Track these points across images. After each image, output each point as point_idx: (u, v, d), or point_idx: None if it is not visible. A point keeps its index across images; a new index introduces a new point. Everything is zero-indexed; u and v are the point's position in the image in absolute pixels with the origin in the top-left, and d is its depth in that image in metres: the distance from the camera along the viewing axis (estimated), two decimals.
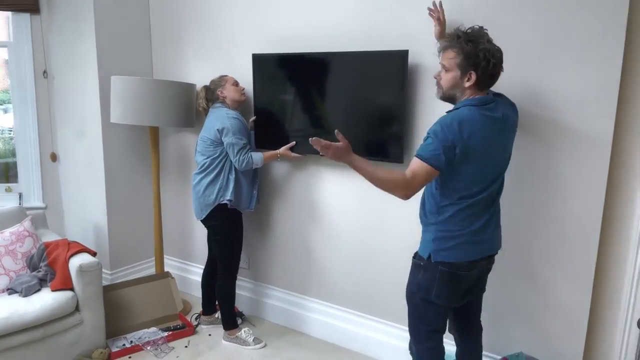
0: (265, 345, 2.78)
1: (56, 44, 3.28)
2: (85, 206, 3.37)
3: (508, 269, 2.29)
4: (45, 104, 3.36)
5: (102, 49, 3.09)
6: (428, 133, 1.71)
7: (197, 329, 2.97)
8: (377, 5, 2.44)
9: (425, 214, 1.88)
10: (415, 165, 1.69)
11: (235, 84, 2.74)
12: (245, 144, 2.61)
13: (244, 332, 2.81)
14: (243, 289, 3.21)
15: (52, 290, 2.49)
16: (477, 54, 1.68)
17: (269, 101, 2.78)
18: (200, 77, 3.15)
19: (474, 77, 1.71)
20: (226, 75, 2.76)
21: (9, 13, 3.22)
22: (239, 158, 2.58)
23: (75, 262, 2.54)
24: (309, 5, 2.67)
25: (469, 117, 1.70)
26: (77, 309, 2.53)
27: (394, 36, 2.40)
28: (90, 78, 3.12)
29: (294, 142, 2.67)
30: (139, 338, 2.79)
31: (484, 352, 2.42)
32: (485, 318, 2.16)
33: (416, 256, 1.90)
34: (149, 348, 2.71)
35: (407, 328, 1.98)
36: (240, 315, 3.11)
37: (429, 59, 2.29)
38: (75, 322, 2.50)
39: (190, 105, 2.99)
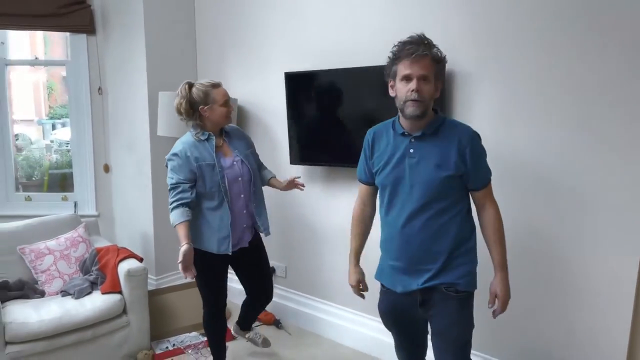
0: None
1: (110, 62, 3.50)
2: (134, 215, 3.55)
3: (524, 279, 2.24)
4: (99, 118, 3.58)
5: (151, 66, 3.28)
6: (481, 152, 1.69)
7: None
8: (402, 18, 2.48)
9: (457, 245, 1.70)
10: (491, 187, 1.74)
11: (225, 103, 2.26)
12: (175, 184, 2.17)
13: None
14: (280, 297, 3.29)
15: (102, 293, 2.65)
16: (442, 56, 1.65)
17: (303, 118, 2.86)
18: (240, 92, 3.29)
19: (440, 87, 1.68)
20: (217, 86, 2.27)
21: (68, 34, 3.48)
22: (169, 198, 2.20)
23: (124, 267, 2.69)
24: (337, 22, 2.74)
25: None
26: (124, 311, 2.67)
27: None
28: (140, 94, 3.32)
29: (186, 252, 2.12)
30: (181, 341, 2.90)
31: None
32: (505, 322, 2.12)
33: (459, 291, 1.69)
34: (190, 351, 2.82)
35: None
36: (277, 323, 3.17)
37: (463, 66, 2.30)
38: (122, 323, 2.64)
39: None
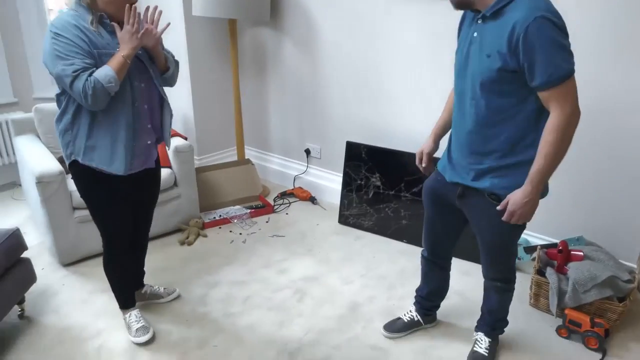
0: (149, 338, 2.05)
1: None
2: (172, 97, 3.65)
3: (569, 154, 2.33)
4: None
5: None
6: (540, 42, 1.32)
7: (276, 209, 3.31)
8: None
9: (512, 150, 1.52)
10: (567, 89, 1.37)
11: None
12: (81, 69, 1.58)
13: (129, 317, 2.11)
14: (315, 176, 3.48)
15: None
16: None
17: None
18: None
19: None
20: None
21: None
22: (76, 89, 1.58)
23: (171, 144, 2.86)
24: None
25: None
26: (175, 184, 2.90)
27: None
28: None
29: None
30: (227, 213, 3.17)
31: (544, 236, 2.56)
32: (546, 202, 2.25)
33: (496, 199, 1.59)
34: (235, 221, 3.09)
35: None
36: (313, 200, 3.40)
37: None
38: (174, 195, 2.88)
39: None
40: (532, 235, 2.57)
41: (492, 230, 1.67)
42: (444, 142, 1.84)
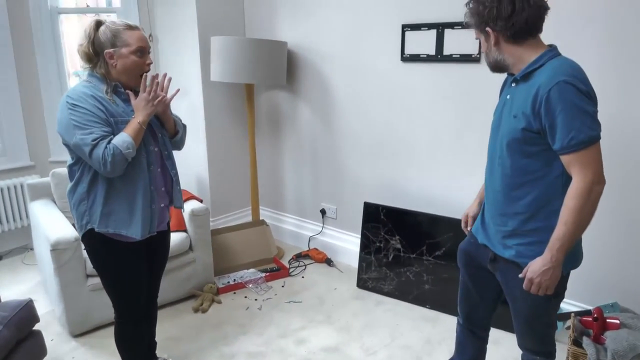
0: None
1: (159, 9, 3.53)
2: (188, 159, 3.69)
3: (601, 218, 2.27)
4: (152, 65, 3.64)
5: (201, 10, 3.29)
6: (560, 107, 1.33)
7: (291, 272, 3.22)
8: None
9: (536, 214, 1.49)
10: (590, 155, 1.35)
11: (139, 51, 1.69)
12: (100, 137, 1.61)
13: None
14: (331, 237, 3.42)
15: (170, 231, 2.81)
16: (478, 7, 1.46)
17: None
18: (289, 35, 3.29)
19: (492, 33, 1.46)
20: (133, 29, 1.71)
21: None
22: (95, 157, 1.60)
23: (187, 207, 2.83)
24: None
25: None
26: (190, 248, 2.84)
27: None
28: (191, 39, 3.35)
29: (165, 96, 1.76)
30: (241, 277, 3.08)
31: (576, 302, 2.46)
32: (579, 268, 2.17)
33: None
34: (250, 286, 3.00)
35: None
36: (329, 262, 3.32)
37: None
38: (189, 259, 2.81)
39: (281, 62, 3.13)
40: (563, 302, 2.46)
41: (527, 301, 1.58)
42: None
